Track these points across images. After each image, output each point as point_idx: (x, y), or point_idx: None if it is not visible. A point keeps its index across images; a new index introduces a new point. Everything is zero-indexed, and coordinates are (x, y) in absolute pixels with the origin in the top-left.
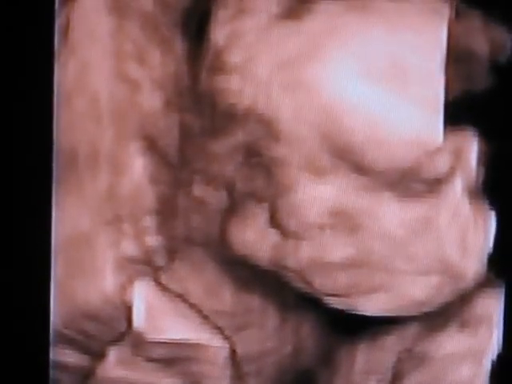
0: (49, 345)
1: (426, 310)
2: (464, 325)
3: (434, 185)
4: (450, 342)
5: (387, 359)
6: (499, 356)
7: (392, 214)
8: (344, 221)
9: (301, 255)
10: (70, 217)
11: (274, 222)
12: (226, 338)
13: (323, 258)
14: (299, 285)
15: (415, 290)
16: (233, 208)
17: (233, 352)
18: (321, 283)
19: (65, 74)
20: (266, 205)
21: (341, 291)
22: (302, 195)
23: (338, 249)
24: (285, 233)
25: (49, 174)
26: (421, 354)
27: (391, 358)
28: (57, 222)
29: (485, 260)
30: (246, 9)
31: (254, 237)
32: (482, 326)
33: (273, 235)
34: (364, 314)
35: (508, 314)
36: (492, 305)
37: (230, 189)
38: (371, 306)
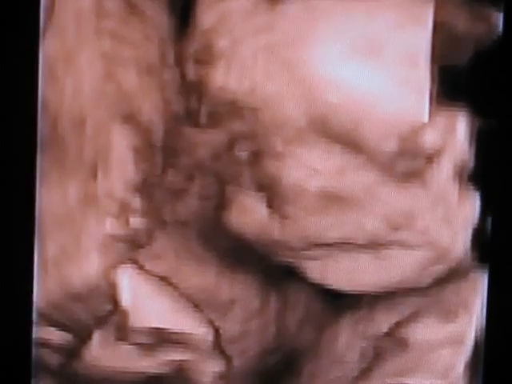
0: (32, 323)
1: (412, 286)
2: (444, 310)
3: (422, 163)
4: (430, 328)
5: (369, 342)
6: (482, 341)
7: (382, 193)
8: (335, 201)
9: (292, 234)
10: (54, 196)
11: (268, 205)
12: (210, 322)
13: (315, 238)
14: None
15: (403, 265)
16: (223, 194)
17: (217, 336)
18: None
19: (50, 53)
20: (256, 189)
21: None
22: (292, 178)
23: (329, 229)
24: (279, 215)
25: (33, 152)
26: (402, 338)
27: (373, 341)
28: (41, 201)
29: (469, 239)
30: None
31: (250, 220)
32: (463, 312)
33: (266, 217)
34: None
35: (490, 299)
36: (473, 291)
37: (217, 175)
38: (358, 282)
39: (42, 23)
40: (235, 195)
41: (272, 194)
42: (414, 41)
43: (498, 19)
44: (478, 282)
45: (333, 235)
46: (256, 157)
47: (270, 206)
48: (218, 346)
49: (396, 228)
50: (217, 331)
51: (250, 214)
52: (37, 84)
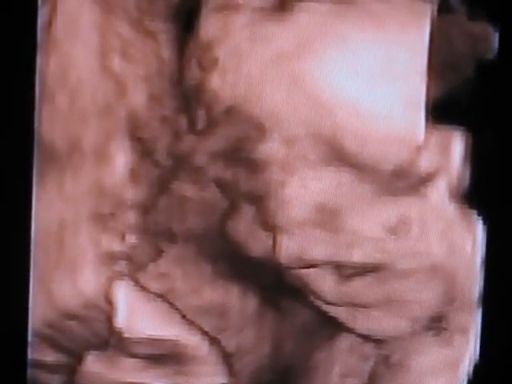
0: (27, 343)
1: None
2: (441, 334)
3: (418, 183)
4: (427, 352)
5: (365, 364)
6: (476, 365)
7: (376, 212)
8: (330, 218)
9: (288, 251)
10: (51, 212)
11: (262, 218)
12: (207, 335)
13: (308, 255)
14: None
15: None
16: (221, 205)
17: (220, 349)
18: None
19: (47, 69)
20: (252, 201)
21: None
22: (289, 191)
23: (320, 247)
24: (272, 229)
25: (29, 168)
26: (398, 361)
27: (369, 363)
28: (37, 218)
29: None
30: (235, 4)
31: (245, 232)
32: (459, 336)
33: (261, 231)
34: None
35: (485, 322)
36: (469, 315)
37: (218, 186)
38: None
39: (39, 43)
40: (235, 205)
41: (263, 206)
42: (411, 59)
43: (495, 37)
44: (474, 306)
45: (326, 252)
46: (254, 168)
47: (261, 218)
48: (222, 359)
49: (394, 233)
50: (219, 344)
51: (246, 226)
52: (34, 105)
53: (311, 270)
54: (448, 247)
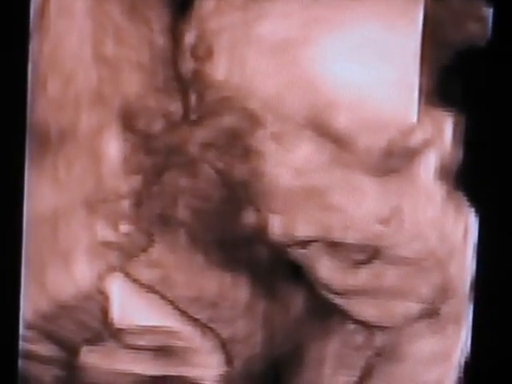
0: (19, 334)
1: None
2: (434, 323)
3: (408, 163)
4: (420, 341)
5: (358, 356)
6: (468, 356)
7: (367, 192)
8: (319, 198)
9: (277, 228)
10: (43, 200)
11: (254, 202)
12: (200, 324)
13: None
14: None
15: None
16: (215, 194)
17: (209, 337)
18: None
19: (40, 56)
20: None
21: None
22: (279, 172)
23: (308, 227)
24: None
25: (22, 155)
26: (391, 351)
27: (362, 355)
28: (29, 207)
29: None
30: None
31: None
32: (452, 325)
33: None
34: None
35: (477, 315)
36: (462, 304)
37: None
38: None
39: (31, 29)
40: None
41: (254, 190)
42: (404, 40)
43: (489, 17)
44: (465, 297)
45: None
46: (244, 152)
47: (252, 202)
48: (217, 348)
49: (383, 222)
50: (213, 334)
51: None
52: (26, 91)
53: (306, 250)
54: (439, 235)
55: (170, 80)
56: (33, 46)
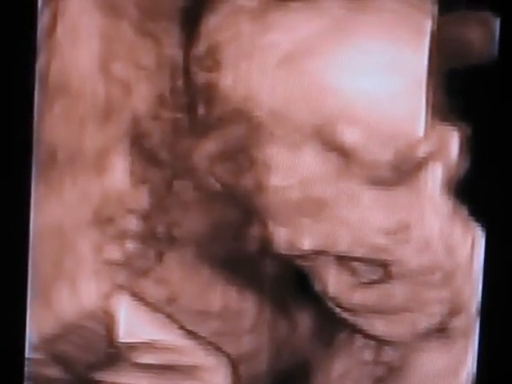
0: (24, 356)
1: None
2: (442, 338)
3: (415, 176)
4: (428, 356)
5: (365, 370)
6: (477, 371)
7: (373, 205)
8: (325, 210)
9: (281, 239)
10: (50, 218)
11: (260, 215)
12: (208, 342)
13: (300, 243)
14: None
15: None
16: (222, 207)
17: (217, 354)
18: None
19: (48, 74)
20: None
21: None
22: (285, 184)
23: (313, 240)
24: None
25: (28, 173)
26: (399, 366)
27: (370, 371)
28: (35, 223)
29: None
30: (239, 6)
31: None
32: (460, 340)
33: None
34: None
35: (485, 329)
36: (470, 319)
37: (220, 186)
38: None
39: (38, 48)
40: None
41: (260, 202)
42: (412, 54)
43: (497, 31)
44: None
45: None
46: (250, 164)
47: (258, 214)
48: (226, 364)
49: (390, 235)
50: (221, 351)
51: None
52: (33, 109)
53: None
54: (447, 248)
55: (178, 93)
56: (41, 65)
